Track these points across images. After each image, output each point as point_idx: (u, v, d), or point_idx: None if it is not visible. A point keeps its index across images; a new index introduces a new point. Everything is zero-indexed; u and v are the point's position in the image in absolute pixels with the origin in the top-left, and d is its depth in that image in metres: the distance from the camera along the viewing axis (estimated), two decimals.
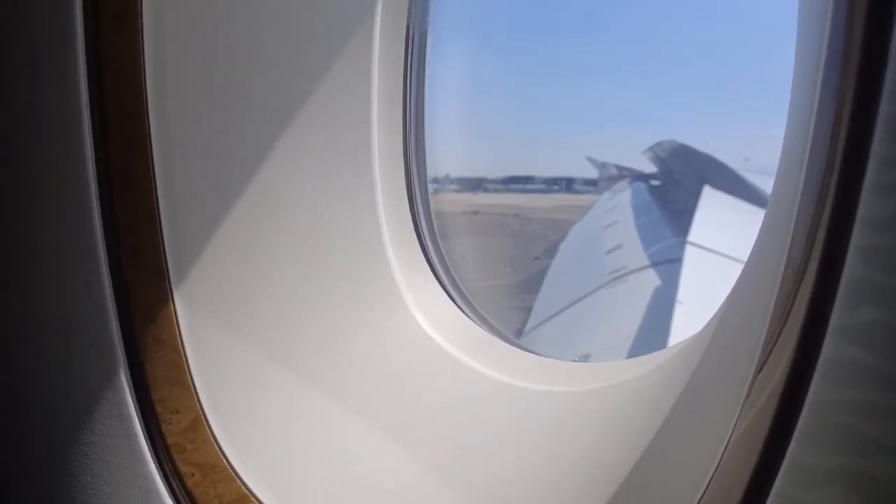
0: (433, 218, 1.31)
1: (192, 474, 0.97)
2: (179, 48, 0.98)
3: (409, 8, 1.23)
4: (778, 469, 0.57)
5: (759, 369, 0.61)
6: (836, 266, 0.53)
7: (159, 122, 0.96)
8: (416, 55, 1.24)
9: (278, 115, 1.08)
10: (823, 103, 0.55)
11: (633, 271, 6.13)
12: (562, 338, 5.50)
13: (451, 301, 1.30)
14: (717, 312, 0.97)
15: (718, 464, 0.68)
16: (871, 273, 0.52)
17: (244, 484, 0.98)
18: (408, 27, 1.23)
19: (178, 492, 0.97)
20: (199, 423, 0.99)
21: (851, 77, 0.52)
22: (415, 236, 1.28)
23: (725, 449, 0.66)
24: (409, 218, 1.26)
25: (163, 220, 0.97)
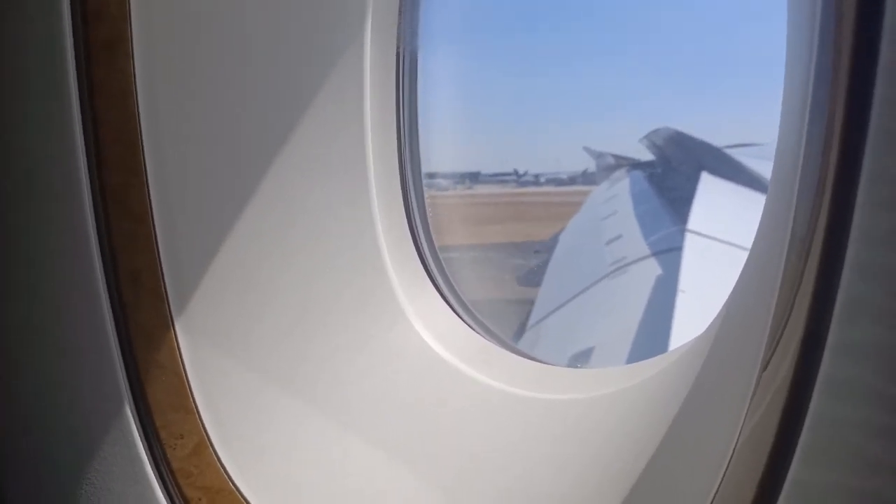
0: (431, 230, 1.31)
1: (199, 499, 0.97)
2: (171, 74, 0.97)
3: (399, 15, 1.22)
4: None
5: (760, 379, 0.61)
6: (832, 281, 0.53)
7: (154, 148, 0.96)
8: (408, 65, 1.23)
9: (273, 135, 1.08)
10: (815, 111, 0.55)
11: (634, 261, 6.12)
12: (565, 332, 5.50)
13: (451, 311, 1.30)
14: (717, 315, 0.97)
15: (725, 472, 0.68)
16: (869, 290, 0.51)
17: None
18: (398, 34, 1.22)
19: None
20: (203, 447, 0.99)
21: (842, 89, 0.52)
22: (413, 248, 1.27)
23: (731, 457, 0.66)
24: (408, 231, 1.26)
25: (160, 244, 0.97)
